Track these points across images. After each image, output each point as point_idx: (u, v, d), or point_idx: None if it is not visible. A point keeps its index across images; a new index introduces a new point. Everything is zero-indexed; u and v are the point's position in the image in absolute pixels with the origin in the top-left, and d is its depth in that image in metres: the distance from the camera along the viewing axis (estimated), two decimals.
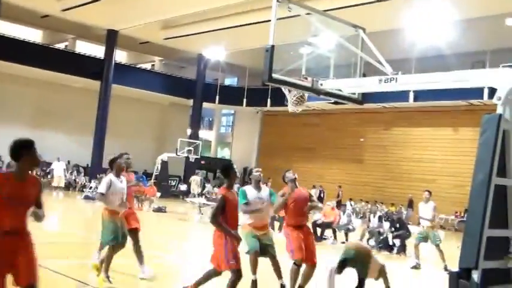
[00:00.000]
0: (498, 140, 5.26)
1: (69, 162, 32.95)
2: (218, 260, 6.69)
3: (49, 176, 31.41)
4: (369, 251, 8.68)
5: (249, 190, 8.07)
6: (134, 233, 8.56)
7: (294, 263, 7.84)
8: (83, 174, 33.08)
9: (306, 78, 7.89)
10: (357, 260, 8.02)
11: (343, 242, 16.44)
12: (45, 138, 33.53)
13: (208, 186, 33.08)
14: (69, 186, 31.12)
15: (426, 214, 13.40)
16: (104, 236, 8.01)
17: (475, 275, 5.02)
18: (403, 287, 10.83)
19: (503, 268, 5.46)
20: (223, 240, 6.65)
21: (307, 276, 7.93)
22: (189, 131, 38.95)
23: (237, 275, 6.56)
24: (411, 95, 28.79)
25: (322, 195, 30.41)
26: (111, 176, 8.16)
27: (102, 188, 8.02)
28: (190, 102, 39.02)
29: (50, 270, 8.43)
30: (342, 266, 7.97)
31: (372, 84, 7.43)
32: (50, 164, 31.66)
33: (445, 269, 11.95)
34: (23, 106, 33.25)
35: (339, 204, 26.11)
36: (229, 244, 6.63)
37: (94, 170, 32.04)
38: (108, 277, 7.82)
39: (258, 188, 8.13)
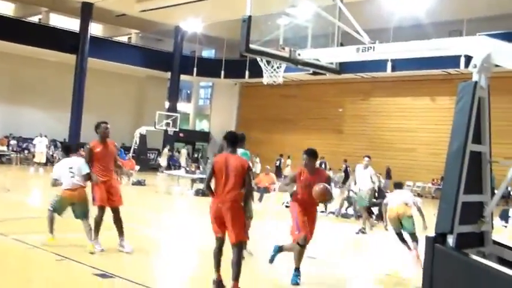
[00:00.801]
0: (474, 107, 5.32)
1: (46, 137, 32.62)
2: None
3: (26, 152, 31.10)
4: None
5: None
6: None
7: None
8: (60, 149, 32.76)
9: (284, 49, 7.86)
10: None
11: (322, 211, 16.60)
12: (22, 113, 33.21)
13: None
14: (47, 161, 30.84)
15: (363, 179, 13.78)
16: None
17: (450, 239, 5.11)
18: (385, 253, 10.99)
19: (477, 232, 5.56)
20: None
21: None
22: (167, 104, 38.73)
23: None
24: (389, 65, 28.88)
25: (324, 167, 30.33)
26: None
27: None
28: (168, 75, 38.73)
29: (29, 245, 8.40)
30: None
31: (349, 54, 7.44)
32: (27, 139, 31.37)
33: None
34: None
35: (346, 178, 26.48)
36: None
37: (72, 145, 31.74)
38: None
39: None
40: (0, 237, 8.95)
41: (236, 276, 6.15)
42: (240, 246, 6.35)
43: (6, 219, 10.43)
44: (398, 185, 10.96)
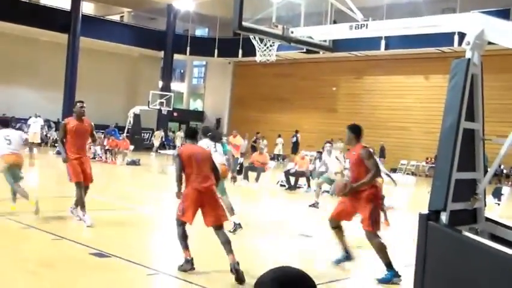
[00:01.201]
0: (467, 84, 5.32)
1: (40, 117, 32.51)
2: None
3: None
4: None
5: None
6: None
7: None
8: (54, 129, 32.69)
9: (277, 26, 7.83)
10: None
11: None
12: (15, 94, 33.02)
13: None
14: (41, 142, 30.78)
15: (334, 165, 13.93)
16: None
17: (443, 217, 5.15)
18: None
19: (470, 209, 5.61)
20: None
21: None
22: (160, 83, 38.59)
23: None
24: (382, 43, 28.79)
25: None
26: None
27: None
28: (161, 54, 38.52)
29: (24, 224, 8.42)
30: None
31: (342, 31, 7.41)
32: (20, 120, 31.21)
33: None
34: None
35: None
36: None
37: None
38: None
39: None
40: None
41: (231, 250, 6.29)
42: (222, 227, 6.54)
43: (1, 199, 10.42)
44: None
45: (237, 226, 8.98)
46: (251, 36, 8.21)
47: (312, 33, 7.99)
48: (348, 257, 7.25)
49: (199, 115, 43.70)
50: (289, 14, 8.48)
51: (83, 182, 8.82)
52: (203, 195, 6.46)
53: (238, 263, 6.15)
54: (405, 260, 6.81)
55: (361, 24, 7.08)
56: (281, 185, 17.62)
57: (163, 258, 7.54)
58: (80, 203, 8.71)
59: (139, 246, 7.92)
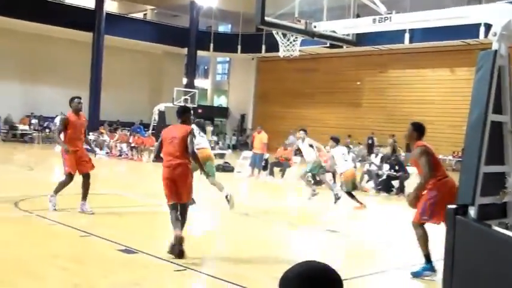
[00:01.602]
0: (494, 76, 5.25)
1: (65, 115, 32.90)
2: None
3: (47, 131, 31.38)
4: None
5: None
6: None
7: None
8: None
9: (299, 21, 7.81)
10: None
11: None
12: (42, 93, 33.47)
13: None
14: None
15: (308, 154, 14.08)
16: None
17: (472, 211, 5.09)
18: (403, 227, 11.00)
19: (499, 203, 5.53)
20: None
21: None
22: (184, 80, 38.73)
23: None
24: (407, 36, 28.48)
25: (372, 143, 29.88)
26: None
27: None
28: (185, 50, 38.65)
29: (52, 221, 8.55)
30: None
31: (366, 25, 7.37)
32: (48, 118, 31.63)
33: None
34: (17, 61, 32.86)
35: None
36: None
37: (91, 123, 31.98)
38: None
39: None
40: (25, 214, 9.12)
41: (182, 226, 6.92)
42: (187, 205, 7.17)
43: (30, 196, 10.59)
44: (336, 140, 12.94)
45: (228, 196, 10.42)
46: (274, 32, 8.21)
47: (335, 27, 7.96)
48: (427, 268, 6.62)
49: (223, 111, 43.80)
50: (312, 8, 8.45)
51: (74, 175, 9.48)
52: (172, 173, 6.99)
53: (182, 239, 6.72)
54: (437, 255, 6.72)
55: (385, 17, 7.03)
56: (308, 181, 17.56)
57: (190, 254, 7.58)
58: (59, 190, 9.37)
59: (167, 243, 7.98)
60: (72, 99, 9.79)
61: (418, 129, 6.91)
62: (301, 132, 14.63)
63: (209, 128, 34.38)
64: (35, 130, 31.55)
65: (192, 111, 7.80)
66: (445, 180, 6.62)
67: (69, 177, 9.40)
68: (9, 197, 10.08)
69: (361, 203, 12.45)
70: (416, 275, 6.57)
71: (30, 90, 33.18)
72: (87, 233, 7.86)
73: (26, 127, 31.38)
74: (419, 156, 6.61)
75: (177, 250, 6.72)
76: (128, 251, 7.02)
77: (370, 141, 30.12)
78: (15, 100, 32.10)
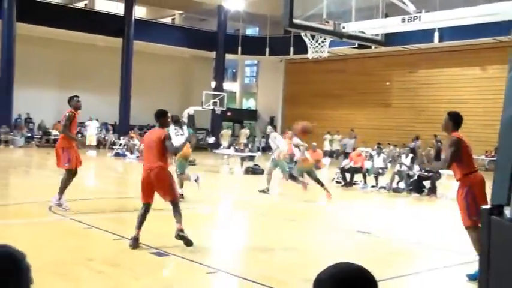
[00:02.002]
0: None
1: (97, 120, 33.38)
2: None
3: (79, 135, 31.83)
4: None
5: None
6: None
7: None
8: (111, 132, 33.49)
9: (328, 22, 7.81)
10: None
11: (373, 186, 16.51)
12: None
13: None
14: (99, 144, 31.58)
15: (282, 145, 14.36)
16: None
17: (507, 211, 5.01)
18: (433, 226, 10.89)
19: None
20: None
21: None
22: (213, 84, 38.90)
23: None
24: (436, 35, 28.17)
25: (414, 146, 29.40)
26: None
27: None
28: (213, 54, 38.84)
29: (86, 225, 8.68)
30: None
31: (395, 24, 7.34)
32: (79, 123, 32.07)
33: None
34: (48, 68, 33.48)
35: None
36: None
37: (122, 128, 32.41)
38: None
39: None
40: (60, 218, 9.27)
41: (179, 220, 7.40)
42: (175, 202, 7.53)
43: (67, 200, 10.76)
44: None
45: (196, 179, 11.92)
46: (302, 34, 8.22)
47: (364, 28, 7.95)
48: None
49: (252, 114, 43.87)
50: (340, 9, 8.43)
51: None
52: (149, 176, 7.41)
53: (182, 230, 7.31)
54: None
55: (414, 17, 6.99)
56: (337, 182, 17.51)
57: (222, 257, 7.62)
58: (65, 188, 9.64)
59: (198, 245, 8.02)
60: (71, 98, 10.15)
61: (454, 119, 6.75)
62: (268, 127, 15.49)
63: (244, 131, 34.50)
64: None
65: (168, 115, 8.08)
66: (473, 175, 6.55)
67: (72, 172, 9.76)
68: (43, 201, 10.25)
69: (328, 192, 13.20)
70: (472, 277, 6.42)
71: (62, 97, 33.66)
72: (120, 236, 7.95)
73: (58, 132, 31.90)
74: (448, 145, 6.55)
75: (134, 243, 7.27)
76: (160, 253, 7.08)
77: (414, 144, 29.37)
78: (48, 106, 32.64)
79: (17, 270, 1.69)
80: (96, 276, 6.15)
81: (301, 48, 9.34)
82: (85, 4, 38.01)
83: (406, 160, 16.37)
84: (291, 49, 33.21)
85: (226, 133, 33.17)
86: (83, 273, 6.24)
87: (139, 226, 7.39)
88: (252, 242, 8.75)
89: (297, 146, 14.34)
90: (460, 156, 6.52)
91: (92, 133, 30.15)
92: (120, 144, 29.06)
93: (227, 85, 43.50)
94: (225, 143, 31.72)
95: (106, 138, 32.54)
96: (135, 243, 7.26)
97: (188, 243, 7.32)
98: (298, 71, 39.19)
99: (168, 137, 7.57)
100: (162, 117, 7.77)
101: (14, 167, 20.30)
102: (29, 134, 31.54)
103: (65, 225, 8.90)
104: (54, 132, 31.84)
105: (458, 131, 6.69)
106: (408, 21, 6.93)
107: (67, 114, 9.83)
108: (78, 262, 6.66)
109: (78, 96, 10.21)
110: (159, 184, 7.43)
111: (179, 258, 6.87)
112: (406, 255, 8.21)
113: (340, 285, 1.67)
